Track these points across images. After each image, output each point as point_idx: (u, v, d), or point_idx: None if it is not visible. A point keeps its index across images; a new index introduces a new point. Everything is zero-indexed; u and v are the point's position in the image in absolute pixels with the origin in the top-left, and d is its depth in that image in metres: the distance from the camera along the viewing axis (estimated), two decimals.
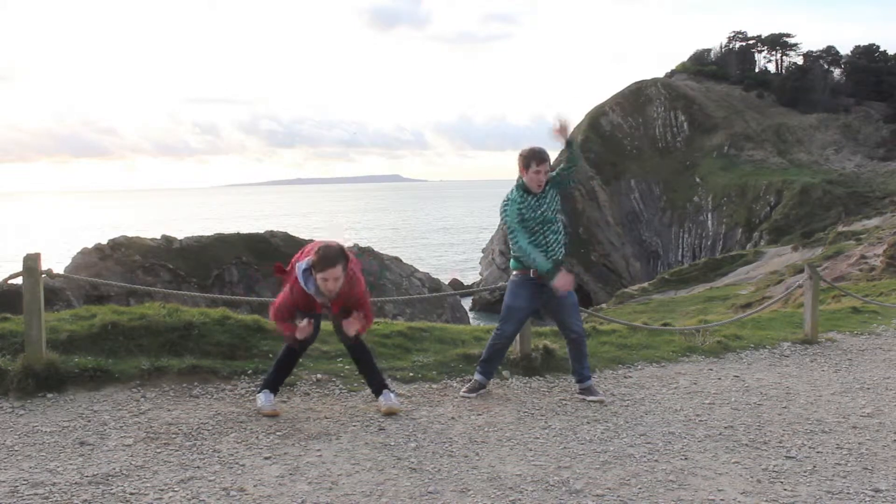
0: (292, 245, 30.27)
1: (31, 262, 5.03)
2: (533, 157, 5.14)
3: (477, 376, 5.41)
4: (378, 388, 4.88)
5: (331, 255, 4.47)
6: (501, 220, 5.33)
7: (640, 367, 6.39)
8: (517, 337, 6.03)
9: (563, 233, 5.32)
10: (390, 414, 4.73)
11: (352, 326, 4.69)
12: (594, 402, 5.22)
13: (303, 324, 4.63)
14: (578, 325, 5.34)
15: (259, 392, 4.81)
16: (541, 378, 5.76)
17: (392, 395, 4.88)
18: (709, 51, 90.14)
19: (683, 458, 4.14)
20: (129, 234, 33.34)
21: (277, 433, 4.35)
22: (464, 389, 5.34)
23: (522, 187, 5.18)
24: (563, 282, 5.04)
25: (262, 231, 34.30)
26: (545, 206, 5.19)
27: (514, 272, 5.32)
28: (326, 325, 6.50)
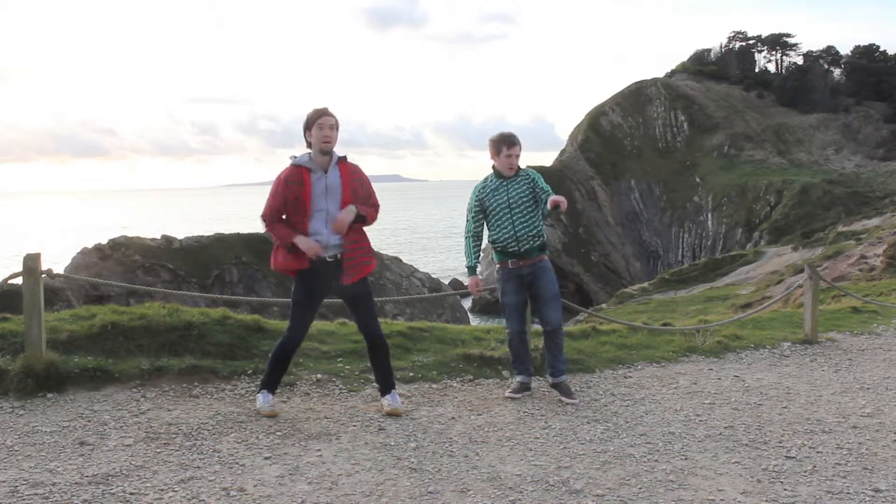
0: None
1: (31, 262, 5.02)
2: (503, 142, 5.22)
3: (516, 377, 5.44)
4: (387, 387, 4.86)
5: (313, 112, 4.61)
6: None
7: (640, 367, 6.38)
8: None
9: (538, 222, 5.24)
10: (392, 415, 4.72)
11: (348, 216, 4.53)
12: (568, 403, 5.15)
13: (310, 243, 4.47)
14: (554, 318, 5.27)
15: (258, 393, 4.81)
16: (541, 378, 5.75)
17: (398, 396, 4.88)
18: (709, 51, 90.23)
19: (683, 458, 4.14)
20: (129, 234, 33.36)
21: (277, 433, 4.35)
22: (508, 390, 5.33)
23: (495, 172, 5.29)
24: (471, 284, 5.49)
25: (262, 231, 34.28)
26: (513, 189, 5.21)
27: (497, 264, 5.39)
28: (325, 325, 6.50)
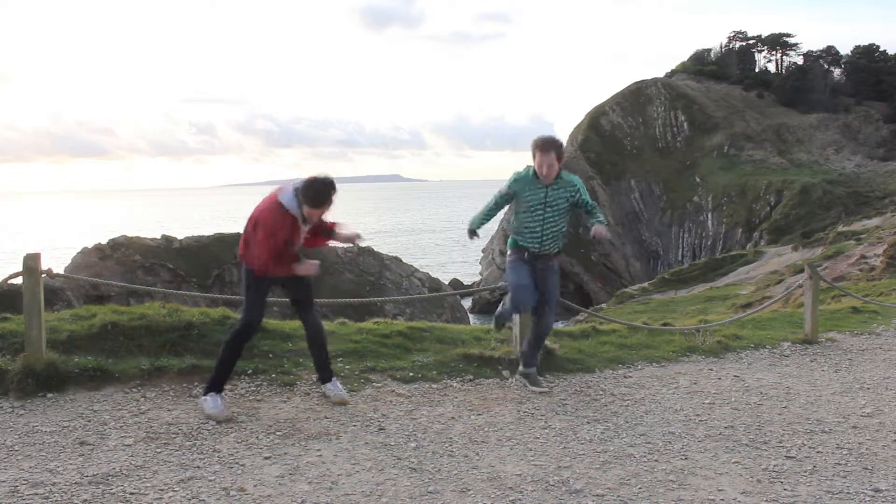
0: None
1: (31, 262, 5.02)
2: (535, 147, 5.12)
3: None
4: (326, 376, 5.01)
5: (324, 194, 4.50)
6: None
7: (640, 367, 6.38)
8: (516, 336, 6.05)
9: (564, 226, 5.30)
10: (341, 404, 4.86)
11: (345, 234, 4.89)
12: (537, 392, 5.35)
13: (312, 263, 4.68)
14: (547, 321, 5.42)
15: (205, 396, 4.62)
16: (541, 378, 5.75)
17: (339, 384, 5.04)
18: (709, 51, 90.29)
19: (683, 458, 4.14)
20: (129, 234, 33.34)
21: (277, 433, 4.35)
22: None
23: (535, 172, 5.19)
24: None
25: None
26: (552, 199, 5.14)
27: (510, 251, 5.41)
28: (325, 325, 6.49)
